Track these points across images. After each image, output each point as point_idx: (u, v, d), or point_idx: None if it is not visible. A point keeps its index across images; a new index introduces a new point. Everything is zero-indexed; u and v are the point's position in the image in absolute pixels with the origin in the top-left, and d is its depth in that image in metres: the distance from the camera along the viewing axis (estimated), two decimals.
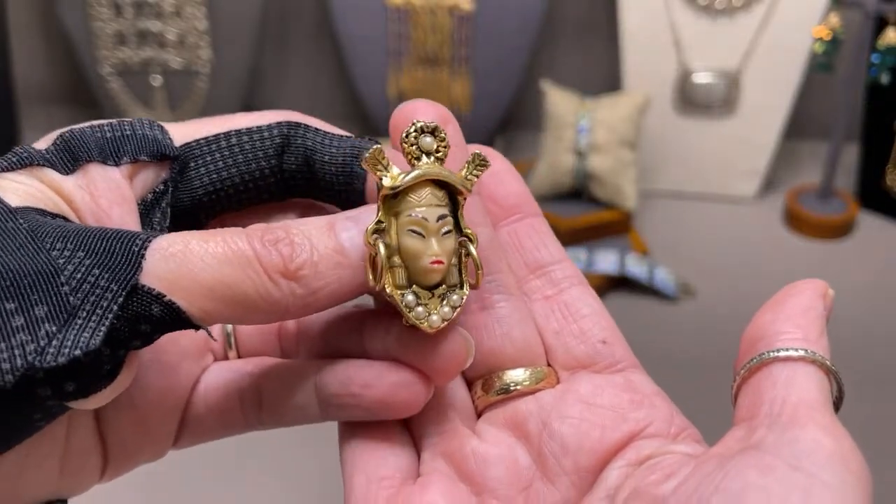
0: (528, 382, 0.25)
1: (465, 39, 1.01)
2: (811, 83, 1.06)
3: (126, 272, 0.20)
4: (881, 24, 0.93)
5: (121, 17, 1.01)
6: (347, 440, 0.25)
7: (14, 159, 0.22)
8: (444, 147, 0.23)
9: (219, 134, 0.25)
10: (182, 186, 0.25)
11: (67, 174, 0.23)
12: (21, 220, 0.20)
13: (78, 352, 0.19)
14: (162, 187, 0.24)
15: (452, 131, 0.24)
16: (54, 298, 0.19)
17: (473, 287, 0.24)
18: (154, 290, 0.20)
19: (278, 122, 0.25)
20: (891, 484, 0.70)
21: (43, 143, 0.23)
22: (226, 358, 0.28)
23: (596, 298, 0.26)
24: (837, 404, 0.22)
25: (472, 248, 0.23)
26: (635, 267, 0.92)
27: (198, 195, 0.25)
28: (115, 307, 0.19)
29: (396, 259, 0.23)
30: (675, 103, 1.05)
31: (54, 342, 0.19)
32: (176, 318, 0.20)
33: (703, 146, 1.07)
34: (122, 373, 0.20)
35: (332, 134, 0.25)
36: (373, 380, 0.24)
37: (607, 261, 0.93)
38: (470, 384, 0.26)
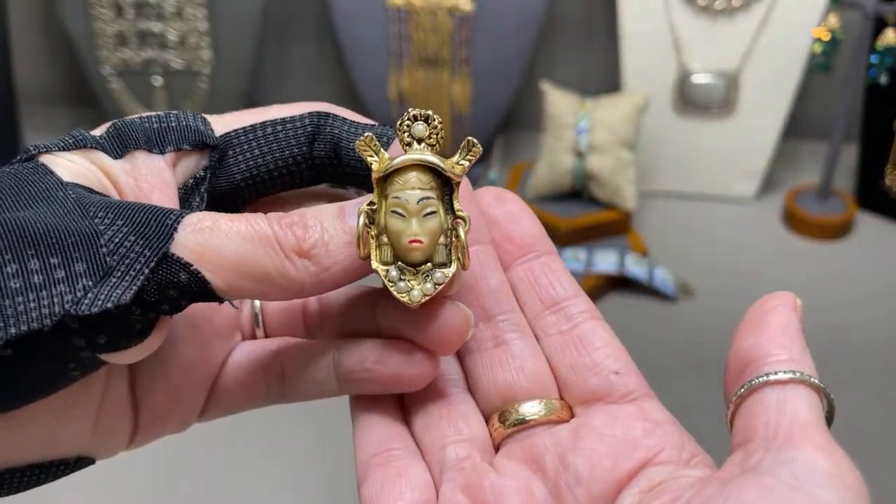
0: (542, 413, 0.26)
1: (465, 40, 1.02)
2: (810, 83, 1.06)
3: (159, 241, 0.22)
4: (880, 24, 0.93)
5: (122, 17, 1.01)
6: (365, 477, 0.26)
7: (70, 141, 0.25)
8: (437, 133, 0.25)
9: (255, 123, 0.27)
10: (221, 173, 0.27)
11: (116, 158, 0.25)
12: (70, 192, 0.22)
13: (110, 305, 0.21)
14: (202, 174, 0.26)
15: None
16: (93, 258, 0.21)
17: (464, 267, 0.25)
18: (182, 259, 0.22)
19: (309, 112, 0.27)
20: (893, 485, 0.70)
21: (97, 131, 0.26)
22: (253, 336, 0.29)
23: (609, 331, 0.27)
24: (829, 419, 0.23)
25: (461, 230, 0.25)
26: (635, 267, 0.92)
27: (235, 181, 0.27)
28: (147, 270, 0.21)
29: (385, 238, 0.24)
30: (675, 104, 1.06)
31: (89, 295, 0.21)
32: (201, 288, 0.22)
33: (703, 146, 1.07)
34: (151, 335, 0.22)
35: (358, 123, 0.27)
36: (384, 357, 0.26)
37: (607, 261, 0.93)
38: (487, 418, 0.27)
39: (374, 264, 0.24)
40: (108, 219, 0.22)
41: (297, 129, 0.27)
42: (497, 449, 0.27)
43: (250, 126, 0.27)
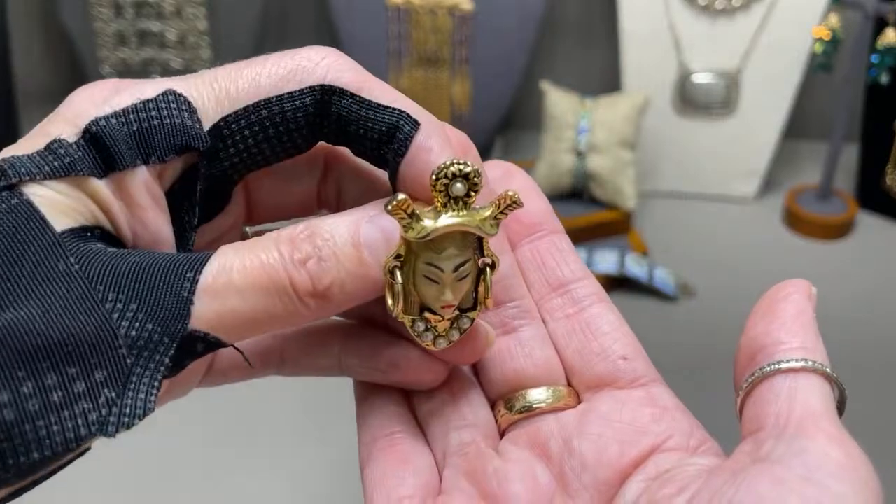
0: (550, 401, 0.26)
1: (465, 40, 1.02)
2: (811, 83, 1.06)
3: (176, 323, 0.20)
4: (881, 24, 0.93)
5: (121, 17, 1.01)
6: (368, 460, 0.26)
7: (56, 164, 0.21)
8: (476, 191, 0.23)
9: (248, 107, 0.23)
10: (214, 165, 0.24)
11: (100, 178, 0.22)
12: (72, 260, 0.20)
13: (136, 421, 0.19)
14: (190, 175, 0.23)
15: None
16: (112, 361, 0.19)
17: (486, 308, 0.25)
18: (200, 332, 0.21)
19: (312, 88, 0.23)
20: (893, 484, 0.70)
21: (69, 133, 0.22)
22: None
23: (617, 315, 0.27)
24: (840, 409, 0.22)
25: (489, 276, 0.24)
26: (635, 267, 0.92)
27: (226, 170, 0.24)
28: (167, 360, 0.20)
29: (412, 287, 0.23)
30: (675, 103, 1.06)
31: (114, 410, 0.19)
32: (215, 347, 0.21)
33: (703, 146, 1.07)
34: (159, 396, 0.21)
35: (371, 102, 0.23)
36: (400, 360, 0.26)
37: (607, 261, 0.93)
38: (493, 403, 0.27)
39: (401, 317, 0.23)
40: (121, 302, 0.20)
41: (298, 109, 0.23)
42: (502, 435, 0.27)
43: (243, 110, 0.23)
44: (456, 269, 0.23)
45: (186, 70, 1.04)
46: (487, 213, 0.23)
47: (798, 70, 1.02)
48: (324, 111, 0.23)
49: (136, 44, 1.02)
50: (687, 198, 1.09)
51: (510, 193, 0.23)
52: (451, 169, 0.22)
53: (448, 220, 0.22)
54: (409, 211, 0.22)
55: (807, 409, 0.21)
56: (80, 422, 0.19)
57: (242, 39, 1.05)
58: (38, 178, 0.21)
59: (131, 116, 0.22)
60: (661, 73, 1.04)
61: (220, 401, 0.76)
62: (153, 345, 0.20)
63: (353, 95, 0.23)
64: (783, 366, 0.22)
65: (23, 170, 0.21)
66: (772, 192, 1.09)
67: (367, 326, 0.27)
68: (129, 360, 0.20)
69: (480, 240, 0.24)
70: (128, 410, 0.19)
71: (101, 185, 0.22)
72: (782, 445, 0.21)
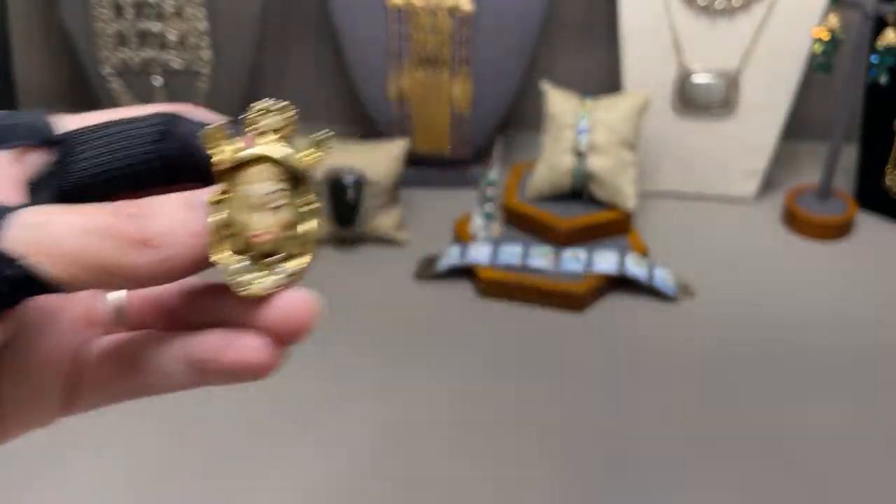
0: None
1: (465, 40, 1.02)
2: (810, 83, 1.06)
3: None
4: (880, 24, 0.93)
5: (122, 17, 1.01)
6: None
7: None
8: (289, 128, 0.24)
9: (102, 123, 0.27)
10: (68, 169, 0.27)
11: None
12: None
13: None
14: (49, 169, 0.26)
15: None
16: None
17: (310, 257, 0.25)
18: (6, 254, 0.22)
19: (157, 112, 0.27)
20: (889, 484, 0.70)
21: None
22: (114, 332, 0.29)
23: None
24: None
25: (312, 222, 0.24)
26: (635, 267, 0.92)
27: (82, 177, 0.27)
28: None
29: (230, 229, 0.24)
30: (675, 104, 1.06)
31: None
32: (31, 281, 0.22)
33: (703, 147, 1.07)
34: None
35: (208, 124, 0.27)
36: (223, 345, 0.25)
37: (607, 261, 0.93)
38: None
39: (215, 257, 0.24)
40: None
41: (144, 127, 0.27)
42: None
43: (101, 124, 0.27)
44: (267, 194, 0.24)
45: (187, 70, 1.04)
46: (301, 153, 0.24)
47: (798, 70, 1.02)
48: (167, 131, 0.27)
49: (136, 44, 1.02)
50: (687, 198, 1.09)
51: (320, 134, 0.24)
52: (263, 104, 0.24)
53: (256, 148, 0.24)
54: (220, 139, 0.24)
55: None
56: None
57: (242, 39, 1.05)
58: None
59: (2, 115, 0.27)
60: (661, 73, 1.05)
61: (220, 401, 0.76)
62: None
63: (190, 121, 0.27)
64: None
65: None
66: (771, 193, 1.09)
67: (205, 329, 0.27)
68: None
69: (304, 187, 0.25)
70: None
71: None
72: None
